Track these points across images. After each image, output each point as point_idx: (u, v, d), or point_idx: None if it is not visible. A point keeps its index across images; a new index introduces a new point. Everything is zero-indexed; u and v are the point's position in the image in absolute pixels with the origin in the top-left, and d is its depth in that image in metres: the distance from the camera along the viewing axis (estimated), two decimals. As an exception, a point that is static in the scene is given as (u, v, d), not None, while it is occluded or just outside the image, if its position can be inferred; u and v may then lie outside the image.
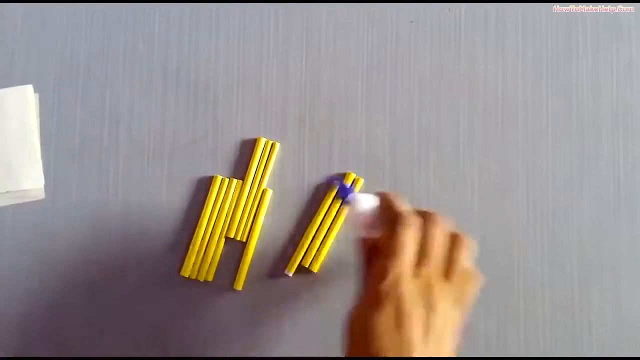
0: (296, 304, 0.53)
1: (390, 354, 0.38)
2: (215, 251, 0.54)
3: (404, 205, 0.44)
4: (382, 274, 0.40)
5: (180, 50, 0.56)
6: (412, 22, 0.57)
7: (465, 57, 0.56)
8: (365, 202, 0.46)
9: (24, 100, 0.55)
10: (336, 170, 0.55)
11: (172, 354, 0.53)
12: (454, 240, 0.43)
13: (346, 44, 0.57)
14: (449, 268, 0.42)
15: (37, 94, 0.56)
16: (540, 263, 0.54)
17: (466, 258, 0.43)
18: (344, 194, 0.53)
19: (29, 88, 0.56)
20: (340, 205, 0.54)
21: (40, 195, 0.55)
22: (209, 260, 0.54)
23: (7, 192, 0.54)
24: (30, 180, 0.54)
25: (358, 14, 0.57)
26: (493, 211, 0.54)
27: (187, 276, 0.53)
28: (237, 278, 0.54)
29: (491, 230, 0.54)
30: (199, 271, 0.54)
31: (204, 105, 0.56)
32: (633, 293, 0.54)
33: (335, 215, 0.54)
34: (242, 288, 0.54)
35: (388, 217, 0.43)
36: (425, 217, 0.43)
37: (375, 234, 0.45)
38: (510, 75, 0.56)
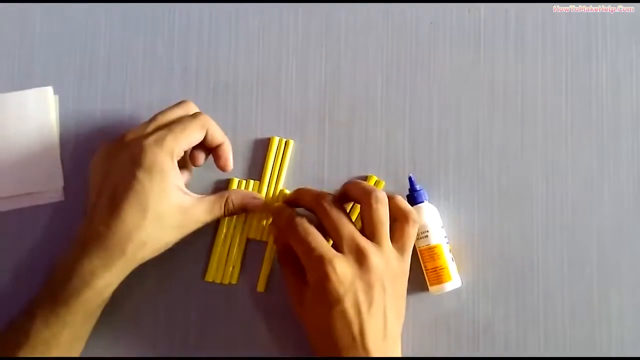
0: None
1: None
2: (237, 253, 0.54)
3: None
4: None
5: (200, 51, 0.56)
6: (431, 23, 0.57)
7: (484, 58, 0.56)
8: None
9: (43, 102, 0.55)
10: (355, 171, 0.55)
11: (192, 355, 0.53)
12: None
13: (366, 44, 0.56)
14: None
15: (57, 96, 0.56)
16: (560, 263, 0.54)
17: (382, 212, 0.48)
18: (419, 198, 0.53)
19: (49, 90, 0.55)
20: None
21: (60, 196, 0.55)
22: (231, 262, 0.54)
23: (27, 193, 0.54)
24: (49, 181, 0.54)
25: (377, 14, 0.57)
26: (513, 212, 0.55)
27: (211, 280, 0.53)
28: (259, 280, 0.54)
29: (511, 231, 0.54)
30: (222, 274, 0.54)
31: (224, 106, 0.55)
32: (652, 293, 0.54)
33: (356, 217, 0.54)
34: (265, 290, 0.54)
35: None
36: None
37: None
38: (529, 75, 0.56)
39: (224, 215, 0.51)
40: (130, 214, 0.46)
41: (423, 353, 0.53)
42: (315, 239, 0.47)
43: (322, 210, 0.48)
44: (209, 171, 0.54)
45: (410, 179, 0.53)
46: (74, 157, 0.55)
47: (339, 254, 0.46)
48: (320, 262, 0.45)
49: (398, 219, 0.49)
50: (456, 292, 0.53)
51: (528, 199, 0.55)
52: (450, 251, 0.52)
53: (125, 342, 0.53)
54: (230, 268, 0.54)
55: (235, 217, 0.54)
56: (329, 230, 0.48)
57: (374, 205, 0.47)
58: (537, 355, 0.53)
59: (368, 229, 0.48)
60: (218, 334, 0.53)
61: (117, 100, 0.56)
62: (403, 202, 0.49)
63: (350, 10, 0.57)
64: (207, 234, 0.54)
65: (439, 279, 0.51)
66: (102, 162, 0.49)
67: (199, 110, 0.51)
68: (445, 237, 0.53)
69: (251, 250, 0.54)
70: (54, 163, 0.54)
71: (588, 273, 0.54)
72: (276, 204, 0.52)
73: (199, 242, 0.53)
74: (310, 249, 0.46)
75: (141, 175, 0.46)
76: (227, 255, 0.54)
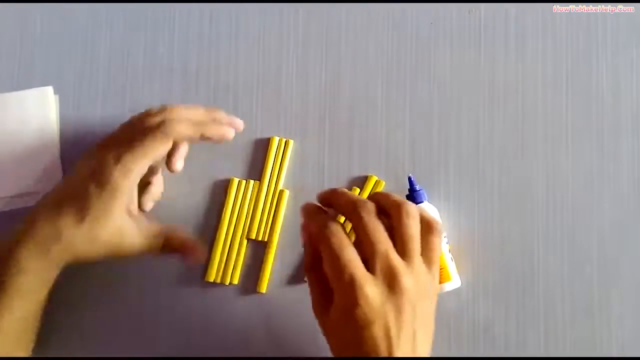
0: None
1: None
2: (238, 254, 0.54)
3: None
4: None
5: (200, 51, 0.56)
6: (431, 23, 0.57)
7: (485, 59, 0.56)
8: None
9: (44, 102, 0.55)
10: (355, 171, 0.55)
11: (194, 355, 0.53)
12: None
13: (366, 45, 0.56)
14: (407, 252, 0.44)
15: (57, 96, 0.56)
16: (560, 264, 0.54)
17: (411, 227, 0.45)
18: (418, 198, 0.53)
19: (49, 89, 0.56)
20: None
21: (60, 196, 0.55)
22: (232, 263, 0.54)
23: (27, 193, 0.54)
24: (49, 181, 0.54)
25: (378, 15, 0.57)
26: (513, 212, 0.55)
27: (212, 280, 0.53)
28: (260, 281, 0.54)
29: (511, 231, 0.54)
30: (223, 274, 0.54)
31: (224, 106, 0.55)
32: (652, 293, 0.54)
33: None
34: (266, 290, 0.54)
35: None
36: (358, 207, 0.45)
37: None
38: (530, 76, 0.56)
39: (160, 253, 0.50)
40: (67, 219, 0.46)
41: (423, 353, 0.53)
42: (348, 255, 0.43)
43: (359, 221, 0.45)
44: (210, 171, 0.54)
45: (410, 179, 0.53)
46: (74, 157, 0.55)
47: (369, 277, 0.43)
48: (350, 286, 0.42)
49: (423, 230, 0.46)
50: (456, 292, 0.53)
51: (528, 199, 0.55)
52: (450, 251, 0.52)
53: (125, 342, 0.53)
54: (231, 268, 0.54)
55: (235, 217, 0.54)
56: (363, 243, 0.45)
57: (405, 221, 0.45)
58: (537, 355, 0.53)
59: (398, 244, 0.45)
60: (218, 335, 0.53)
61: (117, 100, 0.56)
62: (426, 212, 0.47)
63: (350, 10, 0.57)
64: (207, 234, 0.54)
65: (438, 279, 0.51)
66: (80, 161, 0.49)
67: (173, 117, 0.49)
68: (445, 237, 0.53)
69: (252, 250, 0.54)
70: (54, 163, 0.55)
71: (588, 273, 0.54)
72: (309, 204, 0.48)
73: (199, 242, 0.53)
74: (340, 269, 0.43)
75: (92, 189, 0.46)
76: (228, 255, 0.54)
